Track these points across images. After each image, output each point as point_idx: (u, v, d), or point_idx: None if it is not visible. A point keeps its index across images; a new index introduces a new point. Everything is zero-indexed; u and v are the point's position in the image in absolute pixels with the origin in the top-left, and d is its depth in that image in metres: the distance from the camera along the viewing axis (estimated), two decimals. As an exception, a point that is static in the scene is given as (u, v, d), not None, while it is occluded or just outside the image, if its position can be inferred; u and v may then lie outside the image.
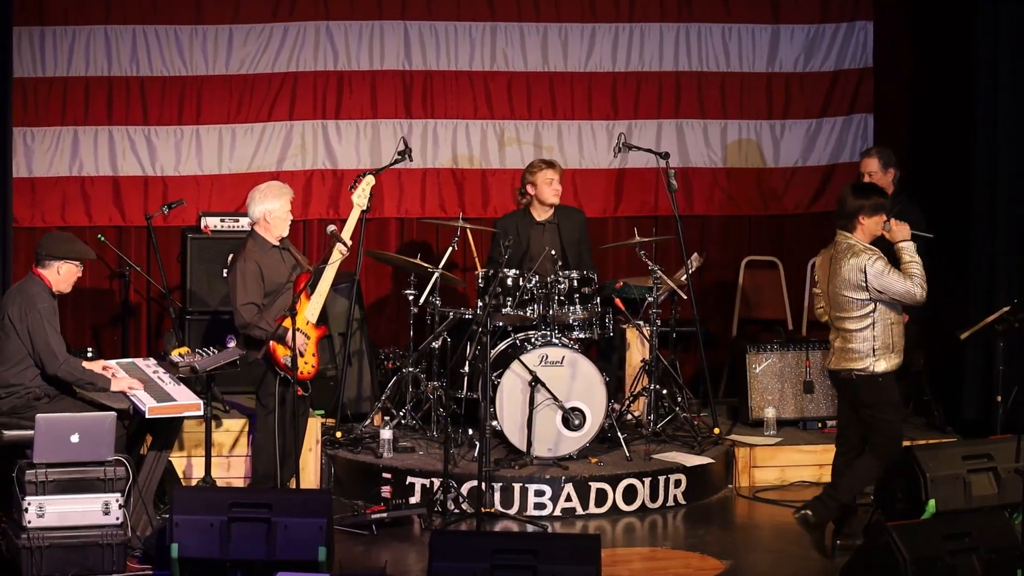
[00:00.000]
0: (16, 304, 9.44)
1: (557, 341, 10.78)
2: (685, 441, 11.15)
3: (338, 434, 10.94)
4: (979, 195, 11.64)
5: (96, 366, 9.69)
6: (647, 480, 10.62)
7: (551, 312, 10.91)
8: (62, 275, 9.54)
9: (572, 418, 10.68)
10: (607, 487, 10.53)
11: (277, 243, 10.05)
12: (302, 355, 9.83)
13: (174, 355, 9.93)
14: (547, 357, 10.71)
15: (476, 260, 11.82)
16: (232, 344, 10.02)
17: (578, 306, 10.97)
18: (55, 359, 9.39)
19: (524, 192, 11.40)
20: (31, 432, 8.99)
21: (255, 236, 10.04)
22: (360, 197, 10.26)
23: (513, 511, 10.37)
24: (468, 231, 11.74)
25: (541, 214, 11.39)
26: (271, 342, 9.75)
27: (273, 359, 9.82)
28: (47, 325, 9.40)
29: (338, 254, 10.05)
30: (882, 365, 9.35)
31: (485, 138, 12.40)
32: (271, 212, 9.99)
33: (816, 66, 12.71)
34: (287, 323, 9.62)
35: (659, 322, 11.29)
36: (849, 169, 12.60)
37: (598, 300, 11.10)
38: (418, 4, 12.25)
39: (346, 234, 10.09)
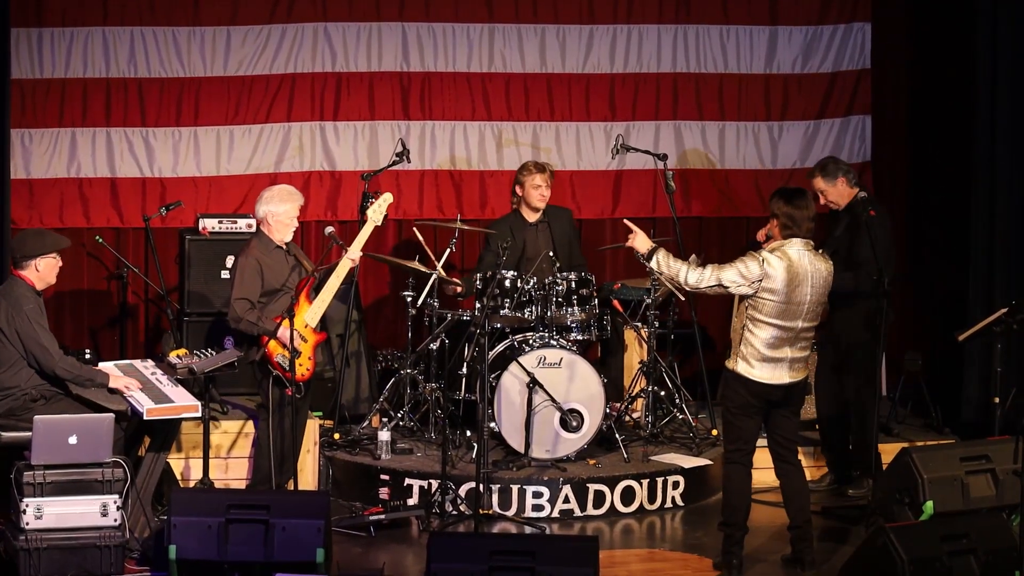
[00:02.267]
0: (2, 309, 9.44)
1: (555, 343, 10.78)
2: (683, 443, 11.15)
3: (336, 436, 10.95)
4: (978, 196, 11.64)
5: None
6: (645, 482, 10.62)
7: (549, 314, 10.91)
8: (41, 271, 9.55)
9: (570, 420, 10.68)
10: (605, 488, 10.54)
11: (282, 245, 10.07)
12: (297, 355, 9.85)
13: (172, 357, 9.93)
14: (545, 359, 10.71)
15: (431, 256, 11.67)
16: (230, 346, 10.03)
17: (576, 308, 10.97)
18: (50, 357, 9.40)
19: (514, 192, 11.43)
20: (29, 433, 8.99)
21: (260, 235, 10.11)
22: (376, 213, 10.27)
23: (511, 513, 10.37)
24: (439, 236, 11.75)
25: (531, 215, 11.41)
26: (267, 343, 9.77)
27: (268, 358, 9.82)
28: (36, 326, 9.40)
29: (347, 264, 10.05)
30: None
31: (483, 140, 12.40)
32: (273, 214, 10.02)
33: (814, 67, 12.71)
34: (284, 324, 9.64)
35: (657, 324, 11.30)
36: (847, 171, 12.60)
37: (596, 302, 11.10)
38: (416, 5, 12.25)
39: (356, 247, 10.11)
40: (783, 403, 9.26)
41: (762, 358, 9.11)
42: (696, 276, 9.08)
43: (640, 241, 9.25)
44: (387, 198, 10.35)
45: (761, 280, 9.01)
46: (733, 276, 9.05)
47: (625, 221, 9.43)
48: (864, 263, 10.42)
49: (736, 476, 9.31)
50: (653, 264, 9.17)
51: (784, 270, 9.01)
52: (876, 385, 10.41)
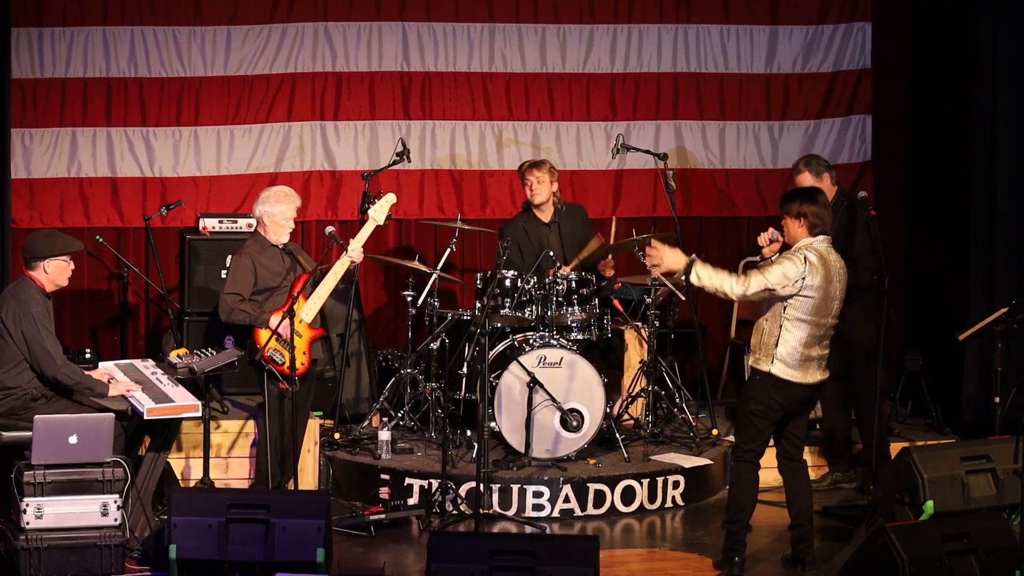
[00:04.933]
0: (10, 309, 9.43)
1: (555, 342, 10.78)
2: (683, 442, 11.15)
3: (336, 435, 10.95)
4: (978, 196, 11.64)
5: (96, 374, 9.70)
6: (645, 481, 10.62)
7: (549, 313, 10.91)
8: (51, 273, 9.54)
9: (570, 419, 10.68)
10: (605, 488, 10.53)
11: (278, 244, 10.09)
12: (288, 344, 9.85)
13: (172, 356, 9.94)
14: (545, 358, 10.71)
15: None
16: (230, 345, 10.03)
17: (576, 307, 10.97)
18: (52, 362, 9.39)
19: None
20: (29, 433, 8.99)
21: (256, 234, 10.14)
22: (379, 212, 10.29)
23: (511, 512, 10.37)
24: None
25: (544, 214, 11.40)
26: (256, 334, 9.81)
27: (258, 350, 9.84)
28: (41, 329, 9.40)
29: (346, 262, 10.09)
30: None
31: (483, 139, 12.40)
32: (269, 214, 10.06)
33: (815, 67, 12.71)
34: (286, 321, 9.67)
35: (657, 323, 11.30)
36: (847, 171, 12.60)
37: (596, 301, 11.10)
38: (416, 5, 12.25)
39: (356, 245, 10.14)
40: (807, 402, 9.30)
41: (800, 357, 9.10)
42: (742, 287, 8.99)
43: (671, 259, 9.04)
44: (390, 198, 10.36)
45: (804, 278, 9.02)
46: (778, 278, 8.99)
47: (652, 242, 9.17)
48: (861, 260, 10.42)
49: (748, 475, 9.29)
50: (693, 279, 9.01)
51: (821, 266, 9.05)
52: (878, 383, 10.41)
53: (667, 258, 9.06)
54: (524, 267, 10.96)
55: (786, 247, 9.23)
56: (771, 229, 9.36)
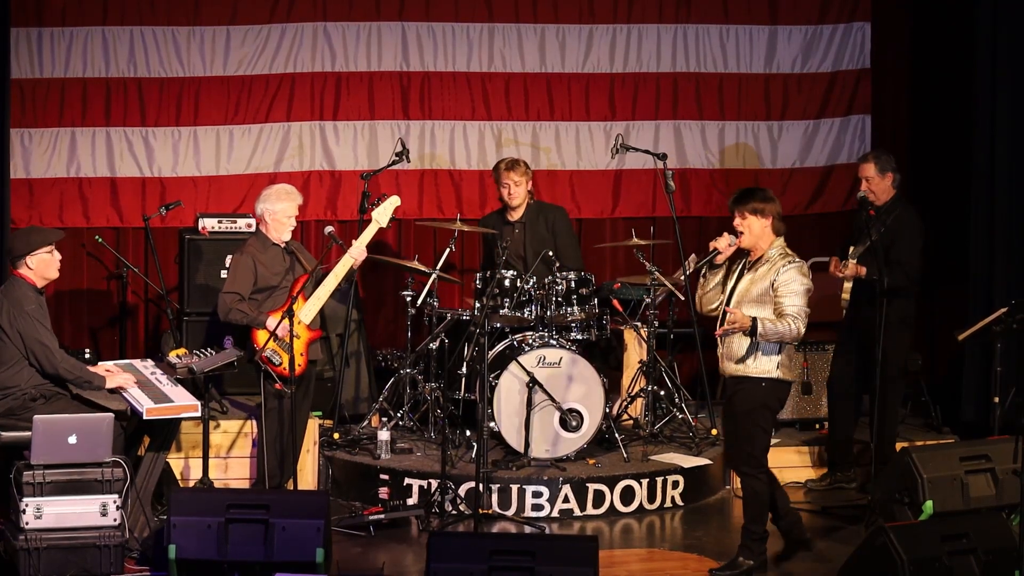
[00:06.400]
0: (3, 309, 9.42)
1: (555, 342, 10.78)
2: (683, 442, 11.15)
3: (336, 435, 10.95)
4: (977, 196, 11.63)
5: (99, 369, 9.70)
6: (645, 481, 10.62)
7: (549, 313, 10.91)
8: (36, 268, 9.52)
9: (570, 419, 10.68)
10: (605, 488, 10.53)
11: (279, 243, 10.10)
12: (286, 345, 9.86)
13: (172, 356, 9.94)
14: (544, 358, 10.71)
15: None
16: (230, 345, 10.03)
17: (576, 307, 10.97)
18: (52, 356, 9.39)
19: None
20: (29, 433, 8.99)
21: (258, 233, 10.16)
22: (382, 215, 10.29)
23: (511, 512, 10.37)
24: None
25: (512, 213, 11.39)
26: (255, 334, 9.82)
27: (256, 350, 9.84)
28: (38, 326, 9.40)
29: (347, 262, 10.09)
30: None
31: (483, 139, 12.40)
32: (270, 212, 10.07)
33: (814, 67, 12.71)
34: (284, 322, 9.67)
35: (656, 323, 11.30)
36: (847, 170, 12.59)
37: (596, 301, 11.10)
38: (416, 5, 12.25)
39: (358, 246, 10.15)
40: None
41: (791, 354, 9.15)
42: (803, 323, 8.97)
43: (744, 320, 9.04)
44: (394, 201, 10.36)
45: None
46: (805, 298, 9.01)
47: (728, 316, 9.14)
48: (902, 263, 10.40)
49: (767, 483, 9.28)
50: (760, 337, 8.99)
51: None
52: (878, 382, 10.40)
53: (742, 322, 9.04)
54: (502, 265, 10.88)
55: (741, 250, 9.19)
56: (726, 234, 9.26)
